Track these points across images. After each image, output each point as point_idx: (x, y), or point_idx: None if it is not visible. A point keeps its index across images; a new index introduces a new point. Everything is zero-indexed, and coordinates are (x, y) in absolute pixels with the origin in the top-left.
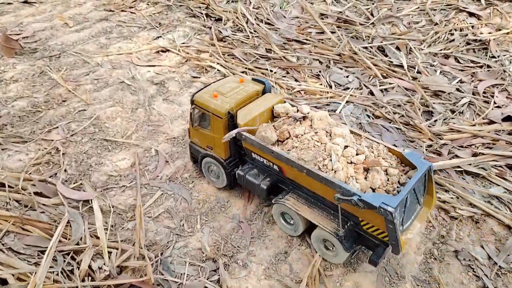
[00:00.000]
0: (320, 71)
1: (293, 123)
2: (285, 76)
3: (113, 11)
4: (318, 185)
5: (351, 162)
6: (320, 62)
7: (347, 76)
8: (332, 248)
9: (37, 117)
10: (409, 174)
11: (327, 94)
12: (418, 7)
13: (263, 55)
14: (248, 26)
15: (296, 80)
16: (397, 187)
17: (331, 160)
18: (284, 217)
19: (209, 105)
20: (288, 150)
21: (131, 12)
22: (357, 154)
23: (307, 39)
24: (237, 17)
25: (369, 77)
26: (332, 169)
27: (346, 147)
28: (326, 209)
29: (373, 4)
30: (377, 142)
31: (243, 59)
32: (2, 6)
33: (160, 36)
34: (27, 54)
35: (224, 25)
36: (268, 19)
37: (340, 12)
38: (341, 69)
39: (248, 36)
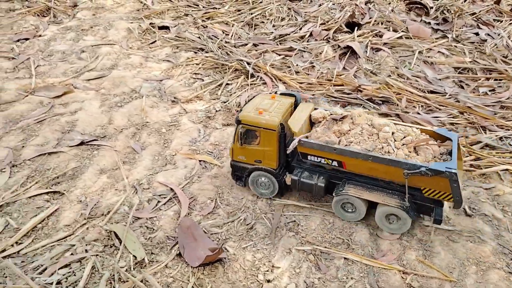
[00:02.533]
0: None
1: (335, 124)
2: None
3: None
4: (383, 168)
5: (404, 144)
6: None
7: None
8: (396, 221)
9: None
10: (444, 145)
11: None
12: None
13: None
14: (425, 104)
15: None
16: (441, 156)
17: (388, 145)
18: (344, 207)
19: (259, 121)
20: (346, 145)
21: None
22: (404, 137)
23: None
24: (398, 93)
25: None
26: (394, 152)
27: (393, 133)
28: (383, 190)
29: (485, 41)
30: (410, 126)
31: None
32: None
33: None
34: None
35: (407, 107)
36: (424, 86)
37: (471, 61)
38: None
39: (450, 113)
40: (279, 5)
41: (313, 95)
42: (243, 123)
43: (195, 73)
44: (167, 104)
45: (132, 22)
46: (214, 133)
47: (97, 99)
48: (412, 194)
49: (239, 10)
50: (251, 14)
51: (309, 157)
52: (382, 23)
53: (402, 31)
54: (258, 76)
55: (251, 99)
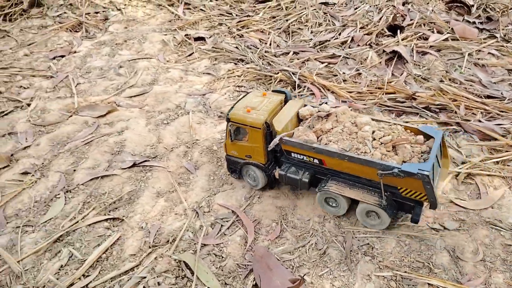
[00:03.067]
0: None
1: (320, 121)
2: None
3: None
4: (359, 168)
5: (382, 143)
6: None
7: None
8: (376, 218)
9: None
10: (427, 143)
11: None
12: None
13: None
14: (484, 110)
15: None
16: (421, 155)
17: (365, 145)
18: (328, 202)
19: (246, 119)
20: (326, 144)
21: None
22: (383, 136)
23: None
24: (454, 99)
25: None
26: (370, 152)
27: (373, 132)
28: (364, 187)
29: None
30: (395, 124)
31: None
32: None
33: None
34: None
35: (466, 115)
36: (480, 90)
37: None
38: None
39: None
40: (314, 9)
41: (364, 104)
42: (232, 121)
43: (238, 86)
44: (214, 119)
45: (166, 34)
46: None
47: (142, 117)
48: (392, 192)
49: (273, 17)
50: (287, 20)
51: (293, 154)
52: (424, 25)
53: (448, 33)
54: (304, 87)
55: (244, 96)
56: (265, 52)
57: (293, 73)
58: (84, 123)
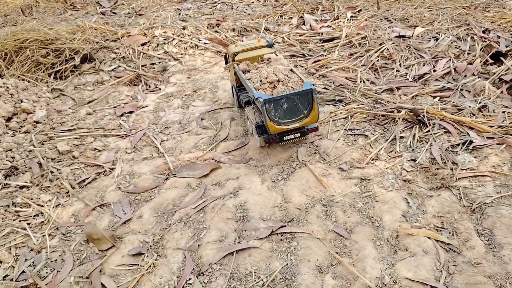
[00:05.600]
0: None
1: (263, 63)
2: None
3: None
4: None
5: (268, 81)
6: None
7: None
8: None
9: None
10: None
11: None
12: None
13: None
14: None
15: None
16: None
17: (256, 78)
18: (249, 119)
19: (229, 49)
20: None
21: None
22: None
23: None
24: None
25: None
26: (255, 83)
27: (273, 73)
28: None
29: None
30: (299, 77)
31: None
32: None
33: None
34: None
35: None
36: None
37: None
38: None
39: None
40: (393, 43)
41: None
42: (227, 50)
43: (350, 129)
44: (339, 170)
45: None
46: (429, 201)
47: (252, 173)
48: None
49: (351, 54)
50: (370, 56)
51: (239, 79)
52: None
53: None
54: (433, 124)
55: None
56: (366, 90)
57: (415, 110)
58: (187, 186)
